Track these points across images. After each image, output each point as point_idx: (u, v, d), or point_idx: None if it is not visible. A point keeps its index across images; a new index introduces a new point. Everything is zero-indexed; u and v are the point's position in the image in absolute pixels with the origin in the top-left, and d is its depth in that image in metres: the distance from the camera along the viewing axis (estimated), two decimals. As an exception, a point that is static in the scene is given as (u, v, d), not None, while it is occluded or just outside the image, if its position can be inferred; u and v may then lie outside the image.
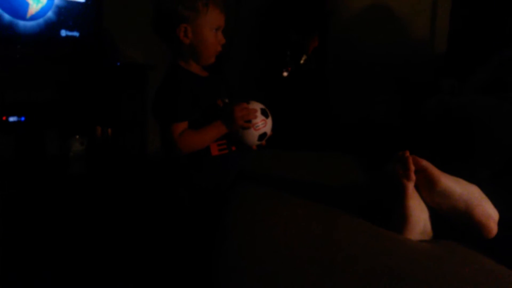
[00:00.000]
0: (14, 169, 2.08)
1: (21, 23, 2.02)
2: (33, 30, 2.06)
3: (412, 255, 0.76)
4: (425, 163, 0.86)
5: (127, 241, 1.76)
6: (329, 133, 2.41)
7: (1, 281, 1.41)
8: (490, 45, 1.83)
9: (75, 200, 2.01)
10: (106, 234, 1.80)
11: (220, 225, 0.94)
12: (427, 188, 0.86)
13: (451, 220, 0.87)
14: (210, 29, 1.13)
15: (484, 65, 1.61)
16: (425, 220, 0.87)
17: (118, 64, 2.37)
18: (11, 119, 2.02)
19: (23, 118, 2.06)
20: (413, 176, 0.85)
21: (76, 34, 2.22)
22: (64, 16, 2.16)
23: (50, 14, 2.10)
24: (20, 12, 2.00)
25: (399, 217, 0.86)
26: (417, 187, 0.87)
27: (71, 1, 2.18)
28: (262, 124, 1.15)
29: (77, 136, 2.30)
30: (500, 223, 0.84)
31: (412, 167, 0.85)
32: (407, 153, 0.87)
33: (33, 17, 2.05)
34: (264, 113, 1.16)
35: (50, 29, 2.12)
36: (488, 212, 0.84)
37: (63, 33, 2.17)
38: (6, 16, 1.96)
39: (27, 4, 2.01)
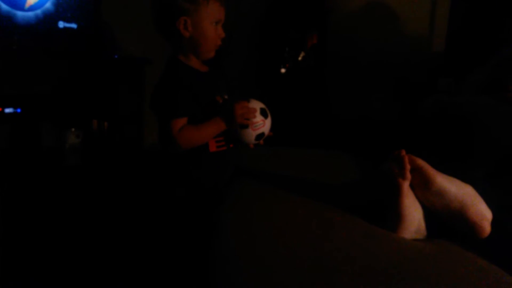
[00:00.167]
0: (7, 160, 2.07)
1: (19, 13, 2.00)
2: (31, 21, 2.04)
3: (405, 254, 0.77)
4: (420, 162, 0.87)
5: (123, 236, 1.75)
6: (326, 131, 2.42)
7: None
8: (488, 45, 1.83)
9: (70, 192, 2.00)
10: (101, 228, 1.79)
11: (216, 223, 0.94)
12: (422, 187, 0.86)
13: (445, 219, 0.87)
14: (210, 22, 1.13)
15: (482, 65, 1.61)
16: (419, 219, 0.88)
17: (116, 57, 2.36)
18: (7, 110, 2.01)
19: (19, 110, 2.05)
20: (409, 175, 0.85)
21: (74, 26, 2.20)
22: (63, 7, 2.15)
23: (48, 5, 2.09)
24: (18, 2, 1.99)
25: (394, 215, 0.87)
26: (412, 186, 0.87)
27: (70, -7, 2.17)
28: (261, 124, 1.15)
29: (73, 129, 2.28)
30: (494, 223, 0.85)
31: (408, 166, 0.85)
32: (403, 152, 0.87)
33: (32, 8, 2.04)
34: (263, 113, 1.16)
35: (48, 20, 2.10)
36: (482, 212, 0.85)
37: (61, 24, 2.16)
38: (4, 7, 1.95)
39: (25, -6, 2.00)
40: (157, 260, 1.54)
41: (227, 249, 0.82)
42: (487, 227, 0.84)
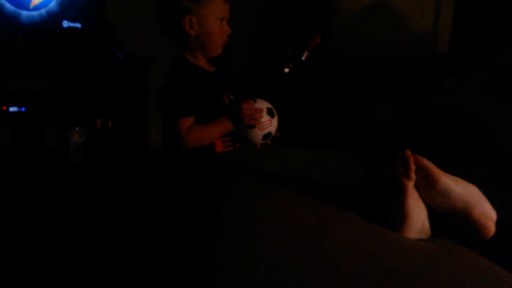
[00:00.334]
0: (12, 159, 2.08)
1: (24, 13, 2.01)
2: (35, 21, 2.05)
3: (409, 254, 0.77)
4: (425, 162, 0.86)
5: (126, 235, 1.76)
6: (328, 130, 2.42)
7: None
8: (492, 45, 1.83)
9: (74, 191, 2.01)
10: (105, 227, 1.80)
11: (217, 222, 0.94)
12: (427, 187, 0.86)
13: (449, 219, 0.87)
14: (215, 19, 1.13)
15: (485, 65, 1.61)
16: (423, 219, 0.88)
17: (120, 56, 2.37)
18: (11, 109, 2.02)
19: (23, 109, 2.06)
20: (414, 176, 0.85)
21: (78, 25, 2.21)
22: (67, 7, 2.15)
23: (53, 4, 2.10)
24: (23, 2, 2.00)
25: (398, 215, 0.87)
26: (416, 185, 0.87)
27: (74, -8, 2.17)
28: (268, 124, 1.15)
29: (77, 128, 2.29)
30: (498, 223, 0.85)
31: (413, 167, 0.85)
32: (408, 152, 0.87)
33: (36, 7, 2.04)
34: (270, 112, 1.16)
35: (52, 19, 2.11)
36: (486, 212, 0.85)
37: (65, 24, 2.17)
38: (9, 6, 1.95)
39: (31, -6, 2.01)
40: (160, 259, 1.54)
41: (227, 248, 0.82)
42: (491, 227, 0.84)
